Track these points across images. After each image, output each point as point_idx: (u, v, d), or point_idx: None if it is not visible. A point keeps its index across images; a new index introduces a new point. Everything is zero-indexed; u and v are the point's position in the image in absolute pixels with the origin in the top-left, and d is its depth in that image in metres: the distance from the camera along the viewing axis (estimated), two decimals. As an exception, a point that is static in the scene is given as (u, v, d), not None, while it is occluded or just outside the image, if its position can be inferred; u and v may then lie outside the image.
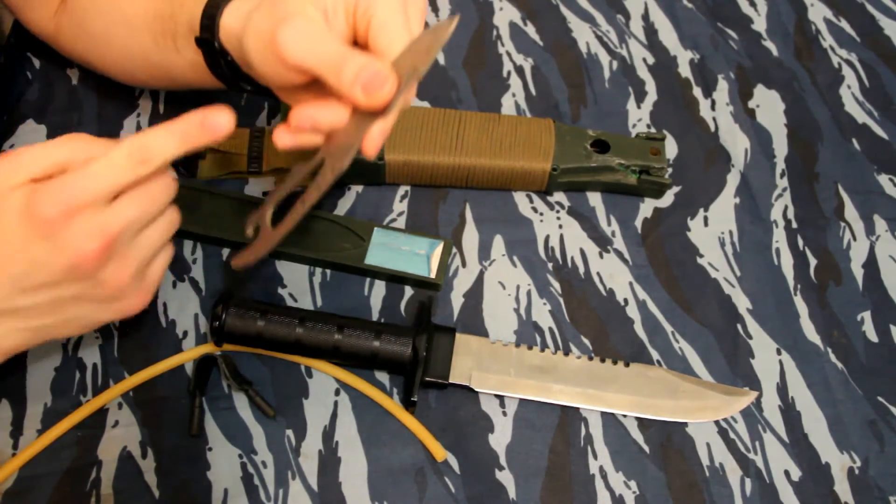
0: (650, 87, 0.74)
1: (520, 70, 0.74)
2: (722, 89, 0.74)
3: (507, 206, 0.66)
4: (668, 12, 0.79)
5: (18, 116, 0.67)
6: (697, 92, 0.74)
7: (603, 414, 0.57)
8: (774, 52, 0.77)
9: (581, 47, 0.76)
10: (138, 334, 0.57)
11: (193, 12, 0.50)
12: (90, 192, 0.37)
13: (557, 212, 0.66)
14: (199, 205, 0.62)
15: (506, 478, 0.54)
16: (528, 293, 0.61)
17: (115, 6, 0.56)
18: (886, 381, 0.60)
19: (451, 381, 0.55)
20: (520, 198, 0.66)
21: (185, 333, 0.58)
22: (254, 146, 0.64)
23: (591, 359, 0.58)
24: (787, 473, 0.55)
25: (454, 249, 0.63)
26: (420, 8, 0.45)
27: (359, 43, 0.45)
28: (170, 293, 0.59)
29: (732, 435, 0.57)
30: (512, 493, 0.53)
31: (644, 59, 0.76)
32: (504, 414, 0.56)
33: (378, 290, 0.61)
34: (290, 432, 0.55)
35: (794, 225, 0.67)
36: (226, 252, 0.62)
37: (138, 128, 0.67)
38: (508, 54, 0.75)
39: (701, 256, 0.64)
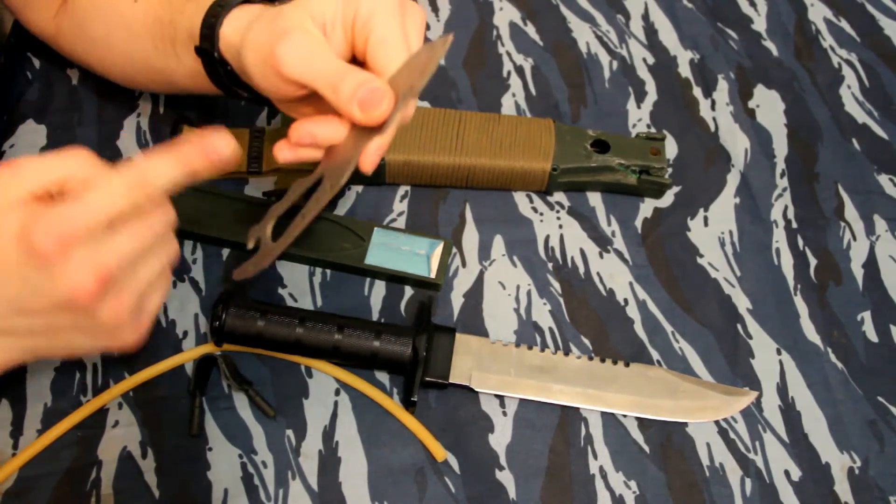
0: (650, 87, 0.74)
1: (520, 70, 0.74)
2: (722, 89, 0.74)
3: (507, 206, 0.66)
4: (668, 12, 0.79)
5: (18, 116, 0.67)
6: (697, 92, 0.74)
7: (603, 414, 0.57)
8: (774, 52, 0.77)
9: (581, 47, 0.76)
10: (138, 334, 0.57)
11: (193, 20, 0.50)
12: (87, 223, 0.35)
13: (557, 212, 0.66)
14: (199, 205, 0.62)
15: (506, 478, 0.54)
16: (528, 293, 0.61)
17: (116, 9, 0.56)
18: (886, 381, 0.60)
19: (451, 381, 0.55)
20: (520, 198, 0.66)
21: (185, 333, 0.58)
22: (254, 146, 0.64)
23: (591, 359, 0.58)
24: (787, 473, 0.55)
25: (454, 249, 0.63)
26: (419, 23, 0.45)
27: (357, 58, 0.45)
28: (170, 293, 0.59)
29: (732, 435, 0.57)
30: (512, 493, 0.53)
31: (644, 59, 0.76)
32: (504, 414, 0.56)
33: (378, 290, 0.61)
34: (290, 432, 0.55)
35: (794, 225, 0.67)
36: (226, 252, 0.62)
37: (138, 128, 0.67)
38: (508, 54, 0.75)
39: (701, 256, 0.64)
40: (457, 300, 0.61)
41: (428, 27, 0.75)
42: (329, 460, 0.54)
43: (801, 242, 0.66)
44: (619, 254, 0.64)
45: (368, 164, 0.44)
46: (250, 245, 0.45)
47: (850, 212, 0.68)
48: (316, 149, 0.45)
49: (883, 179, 0.70)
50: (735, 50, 0.77)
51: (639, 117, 0.72)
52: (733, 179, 0.69)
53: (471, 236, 0.64)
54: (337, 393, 0.56)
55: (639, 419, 0.57)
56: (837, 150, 0.71)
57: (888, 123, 0.73)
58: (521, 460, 0.55)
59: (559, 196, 0.66)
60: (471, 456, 0.54)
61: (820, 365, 0.60)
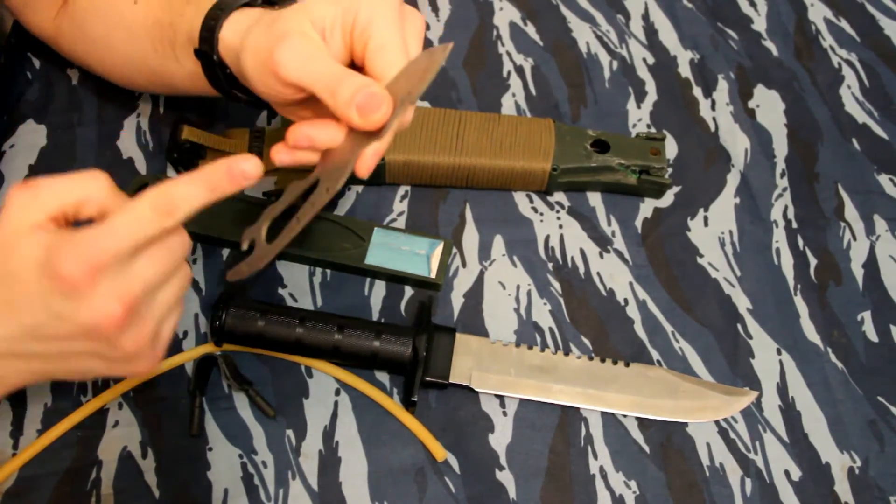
0: (650, 87, 0.74)
1: (520, 70, 0.74)
2: (722, 89, 0.74)
3: (507, 206, 0.66)
4: (668, 12, 0.79)
5: (18, 116, 0.67)
6: (697, 92, 0.74)
7: (603, 414, 0.57)
8: (774, 52, 0.77)
9: (581, 47, 0.76)
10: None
11: (193, 23, 0.50)
12: (114, 249, 0.35)
13: (557, 212, 0.66)
14: (199, 205, 0.61)
15: (506, 478, 0.54)
16: (528, 293, 0.61)
17: (116, 10, 0.56)
18: (886, 381, 0.59)
19: (451, 381, 0.55)
20: (520, 198, 0.66)
21: (185, 333, 0.58)
22: (254, 146, 0.64)
23: (591, 359, 0.58)
24: (787, 473, 0.55)
25: (454, 249, 0.63)
26: (418, 30, 0.45)
27: (356, 64, 0.45)
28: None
29: (732, 435, 0.57)
30: (512, 493, 0.53)
31: (644, 59, 0.76)
32: (504, 414, 0.56)
33: (378, 290, 0.61)
34: (290, 432, 0.55)
35: (795, 225, 0.67)
36: (226, 252, 0.62)
37: (138, 128, 0.67)
38: (508, 54, 0.75)
39: (701, 256, 0.64)
40: (457, 300, 0.61)
41: (428, 27, 0.75)
42: (329, 460, 0.54)
43: (801, 242, 0.66)
44: (619, 254, 0.64)
45: (365, 168, 0.44)
46: (244, 246, 0.45)
47: (850, 212, 0.68)
48: (313, 152, 0.45)
49: (883, 179, 0.70)
50: (735, 50, 0.77)
51: (639, 117, 0.72)
52: (733, 179, 0.69)
53: (471, 236, 0.64)
54: (337, 393, 0.56)
55: (639, 419, 0.57)
56: (837, 150, 0.71)
57: (888, 123, 0.73)
58: (521, 460, 0.55)
59: (559, 196, 0.66)
60: (471, 456, 0.54)
61: (820, 365, 0.60)
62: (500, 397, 0.57)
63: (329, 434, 0.55)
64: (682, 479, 0.55)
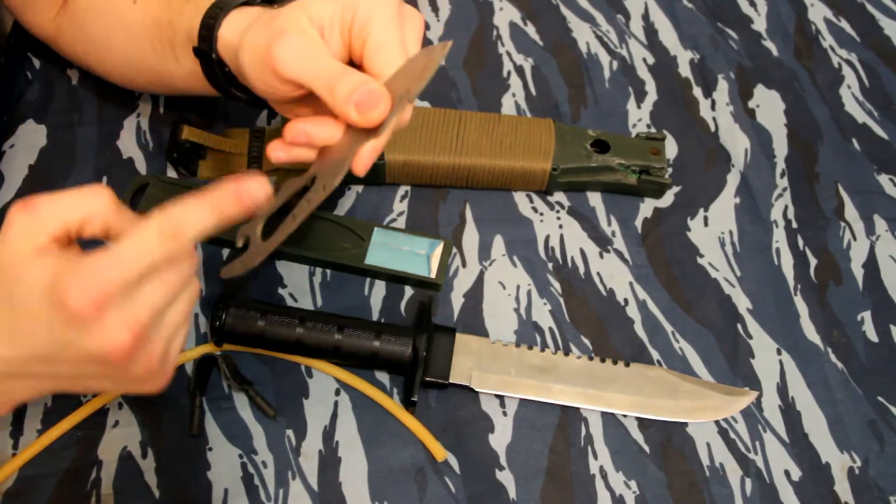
0: (650, 87, 0.74)
1: (520, 70, 0.74)
2: (722, 89, 0.74)
3: (507, 206, 0.66)
4: (668, 12, 0.79)
5: (18, 116, 0.67)
6: (697, 92, 0.74)
7: (603, 414, 0.57)
8: (774, 52, 0.77)
9: (581, 47, 0.76)
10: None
11: (192, 22, 0.50)
12: (121, 278, 0.33)
13: (557, 212, 0.66)
14: (199, 205, 0.62)
15: (506, 478, 0.54)
16: (529, 293, 0.61)
17: (115, 10, 0.56)
18: (886, 381, 0.59)
19: (451, 381, 0.55)
20: (520, 198, 0.66)
21: (186, 333, 0.58)
22: (254, 146, 0.64)
23: (591, 359, 0.58)
24: (787, 473, 0.55)
25: (454, 249, 0.63)
26: (417, 30, 0.45)
27: (354, 62, 0.45)
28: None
29: (732, 435, 0.57)
30: (512, 493, 0.53)
31: (644, 59, 0.76)
32: (504, 414, 0.56)
33: (378, 290, 0.61)
34: (290, 432, 0.55)
35: (795, 225, 0.67)
36: (226, 252, 0.62)
37: (138, 128, 0.67)
38: (508, 54, 0.75)
39: (701, 256, 0.64)
40: (457, 300, 0.61)
41: (428, 27, 0.75)
42: (329, 460, 0.54)
43: (801, 242, 0.66)
44: (619, 254, 0.64)
45: (361, 166, 0.43)
46: (239, 244, 0.44)
47: (850, 212, 0.68)
48: (310, 149, 0.45)
49: (883, 179, 0.70)
50: (735, 50, 0.77)
51: (639, 117, 0.72)
52: (733, 179, 0.69)
53: (471, 236, 0.64)
54: (337, 393, 0.56)
55: (639, 419, 0.57)
56: (837, 150, 0.71)
57: (888, 123, 0.73)
58: (521, 460, 0.55)
59: (559, 196, 0.66)
60: (471, 456, 0.54)
61: (820, 365, 0.60)
62: (500, 397, 0.57)
63: (329, 434, 0.55)
64: (682, 479, 0.55)
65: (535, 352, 0.58)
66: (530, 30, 0.77)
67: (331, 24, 0.44)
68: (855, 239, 0.66)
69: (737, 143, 0.71)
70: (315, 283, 0.61)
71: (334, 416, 0.55)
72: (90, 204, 0.36)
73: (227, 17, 0.49)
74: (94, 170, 0.64)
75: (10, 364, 0.36)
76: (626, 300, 0.62)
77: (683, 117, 0.72)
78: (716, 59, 0.76)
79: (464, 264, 0.62)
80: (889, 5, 0.82)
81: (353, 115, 0.41)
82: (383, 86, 0.42)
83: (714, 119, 0.72)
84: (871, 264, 0.65)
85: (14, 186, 0.63)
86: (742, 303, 0.62)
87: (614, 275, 0.63)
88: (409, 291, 0.61)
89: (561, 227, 0.65)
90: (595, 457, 0.55)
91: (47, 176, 0.64)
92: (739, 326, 0.61)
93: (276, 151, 0.45)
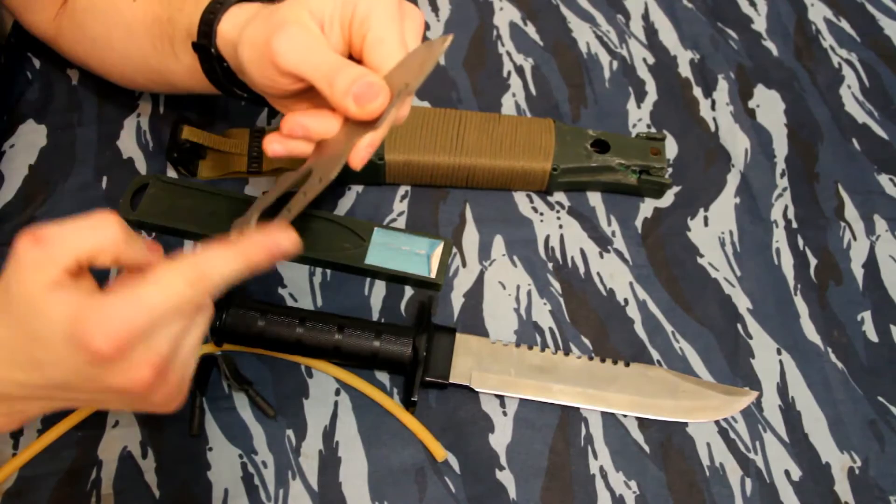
0: (650, 87, 0.74)
1: (520, 70, 0.74)
2: (722, 89, 0.74)
3: (507, 206, 0.66)
4: (668, 12, 0.79)
5: (18, 116, 0.67)
6: (697, 92, 0.74)
7: (603, 414, 0.57)
8: (774, 52, 0.77)
9: (581, 47, 0.76)
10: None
11: (192, 18, 0.50)
12: (146, 322, 0.34)
13: (557, 212, 0.66)
14: (199, 205, 0.62)
15: (506, 478, 0.54)
16: (529, 293, 0.61)
17: (115, 9, 0.56)
18: (886, 381, 0.60)
19: (451, 381, 0.55)
20: (520, 198, 0.66)
21: (186, 333, 0.58)
22: (254, 146, 0.64)
23: (591, 359, 0.58)
24: (787, 473, 0.55)
25: (454, 249, 0.63)
26: (417, 26, 0.45)
27: (353, 56, 0.45)
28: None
29: (732, 435, 0.57)
30: (512, 493, 0.53)
31: (644, 59, 0.76)
32: (504, 414, 0.56)
33: (378, 290, 0.61)
34: (290, 432, 0.55)
35: (795, 225, 0.67)
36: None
37: (138, 128, 0.67)
38: (508, 54, 0.75)
39: (701, 256, 0.64)
40: (457, 300, 0.61)
41: (427, 27, 0.75)
42: (329, 460, 0.54)
43: (801, 242, 0.66)
44: (620, 254, 0.64)
45: (358, 159, 0.43)
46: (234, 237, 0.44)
47: (851, 212, 0.68)
48: (307, 142, 0.45)
49: (883, 179, 0.70)
50: (735, 50, 0.77)
51: (639, 117, 0.72)
52: (733, 179, 0.69)
53: (471, 236, 0.64)
54: (337, 393, 0.56)
55: (639, 419, 0.57)
56: (837, 150, 0.71)
57: (888, 123, 0.73)
58: (521, 460, 0.55)
59: (559, 196, 0.66)
60: (471, 456, 0.54)
61: (820, 365, 0.60)
62: (500, 397, 0.57)
63: (329, 434, 0.55)
64: (682, 479, 0.55)
65: (535, 352, 0.58)
66: (530, 30, 0.77)
67: (331, 19, 0.44)
68: (855, 239, 0.66)
69: (737, 143, 0.71)
70: (315, 283, 0.61)
71: (334, 416, 0.55)
72: (100, 235, 0.36)
73: (227, 12, 0.49)
74: (94, 170, 0.64)
75: (28, 389, 0.36)
76: (626, 300, 0.62)
77: (683, 117, 0.72)
78: (716, 59, 0.76)
79: (464, 264, 0.62)
80: (889, 5, 0.82)
81: (352, 107, 0.41)
82: (382, 79, 0.42)
83: (714, 119, 0.72)
84: (871, 264, 0.65)
85: (14, 186, 0.63)
86: (742, 303, 0.62)
87: (614, 275, 0.63)
88: (409, 291, 0.61)
89: (561, 227, 0.65)
90: (595, 457, 0.55)
91: (47, 176, 0.64)
92: (739, 326, 0.61)
93: (273, 144, 0.44)
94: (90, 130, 0.67)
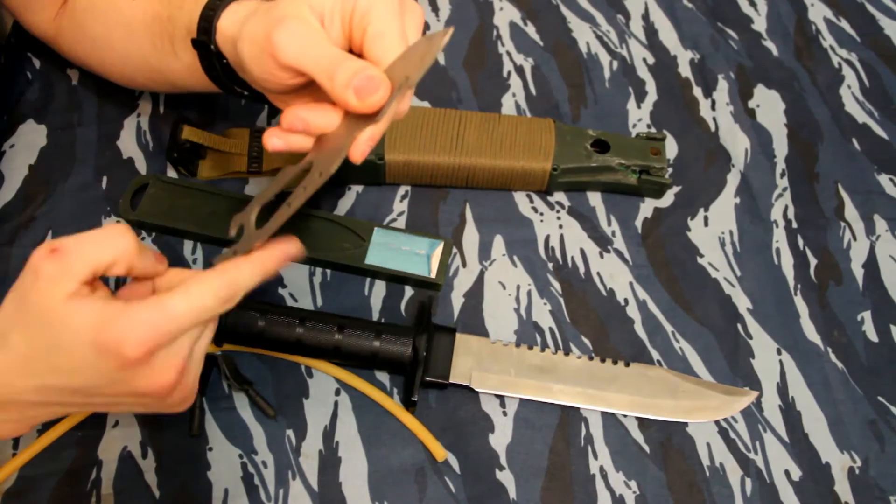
0: (650, 87, 0.74)
1: (520, 70, 0.74)
2: (722, 89, 0.74)
3: (507, 206, 0.66)
4: (668, 12, 0.79)
5: (18, 116, 0.67)
6: (697, 92, 0.74)
7: (603, 414, 0.57)
8: (774, 52, 0.77)
9: (581, 47, 0.76)
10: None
11: (192, 15, 0.50)
12: (175, 332, 0.37)
13: (557, 212, 0.66)
14: (199, 205, 0.62)
15: (506, 478, 0.54)
16: (529, 293, 0.61)
17: (115, 8, 0.56)
18: (886, 381, 0.60)
19: (451, 381, 0.55)
20: (520, 198, 0.66)
21: (186, 333, 0.58)
22: (254, 146, 0.64)
23: (591, 359, 0.58)
24: (787, 473, 0.55)
25: (454, 249, 0.63)
26: (417, 22, 0.45)
27: (354, 51, 0.45)
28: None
29: (733, 435, 0.57)
30: (512, 493, 0.53)
31: (644, 59, 0.76)
32: (504, 414, 0.56)
33: (378, 290, 0.61)
34: (290, 432, 0.55)
35: (795, 225, 0.67)
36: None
37: (138, 128, 0.67)
38: (508, 54, 0.75)
39: (701, 256, 0.64)
40: (457, 300, 0.61)
41: (427, 27, 0.75)
42: (329, 460, 0.54)
43: (801, 242, 0.66)
44: (620, 254, 0.64)
45: (359, 153, 0.43)
46: (233, 232, 0.44)
47: (851, 212, 0.68)
48: (307, 137, 0.45)
49: (883, 179, 0.70)
50: (735, 50, 0.77)
51: (639, 117, 0.72)
52: (733, 179, 0.69)
53: (471, 236, 0.64)
54: (337, 393, 0.56)
55: (639, 419, 0.57)
56: (837, 150, 0.71)
57: (888, 123, 0.73)
58: (521, 460, 0.55)
59: (559, 196, 0.66)
60: (471, 456, 0.54)
61: (820, 365, 0.60)
62: (500, 397, 0.57)
63: (329, 434, 0.55)
64: (682, 479, 0.55)
65: (535, 352, 0.58)
66: (530, 30, 0.77)
67: (331, 13, 0.44)
68: (855, 239, 0.66)
69: (737, 143, 0.71)
70: (315, 283, 0.61)
71: (334, 416, 0.55)
72: (115, 248, 0.38)
73: (227, 8, 0.49)
74: (94, 170, 0.64)
75: (43, 395, 0.38)
76: (626, 300, 0.62)
77: (683, 117, 0.72)
78: (716, 59, 0.76)
79: (464, 264, 0.62)
80: (889, 5, 0.82)
81: (353, 100, 0.41)
82: (383, 72, 0.42)
83: (714, 119, 0.72)
84: (871, 264, 0.65)
85: (14, 186, 0.63)
86: (742, 303, 0.62)
87: (614, 275, 0.63)
88: (409, 291, 0.61)
89: (561, 227, 0.65)
90: (595, 457, 0.55)
91: (47, 176, 0.64)
92: (739, 326, 0.61)
93: (273, 138, 0.44)
94: (90, 130, 0.67)
